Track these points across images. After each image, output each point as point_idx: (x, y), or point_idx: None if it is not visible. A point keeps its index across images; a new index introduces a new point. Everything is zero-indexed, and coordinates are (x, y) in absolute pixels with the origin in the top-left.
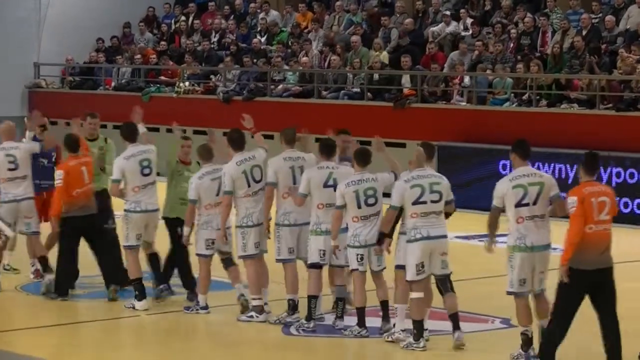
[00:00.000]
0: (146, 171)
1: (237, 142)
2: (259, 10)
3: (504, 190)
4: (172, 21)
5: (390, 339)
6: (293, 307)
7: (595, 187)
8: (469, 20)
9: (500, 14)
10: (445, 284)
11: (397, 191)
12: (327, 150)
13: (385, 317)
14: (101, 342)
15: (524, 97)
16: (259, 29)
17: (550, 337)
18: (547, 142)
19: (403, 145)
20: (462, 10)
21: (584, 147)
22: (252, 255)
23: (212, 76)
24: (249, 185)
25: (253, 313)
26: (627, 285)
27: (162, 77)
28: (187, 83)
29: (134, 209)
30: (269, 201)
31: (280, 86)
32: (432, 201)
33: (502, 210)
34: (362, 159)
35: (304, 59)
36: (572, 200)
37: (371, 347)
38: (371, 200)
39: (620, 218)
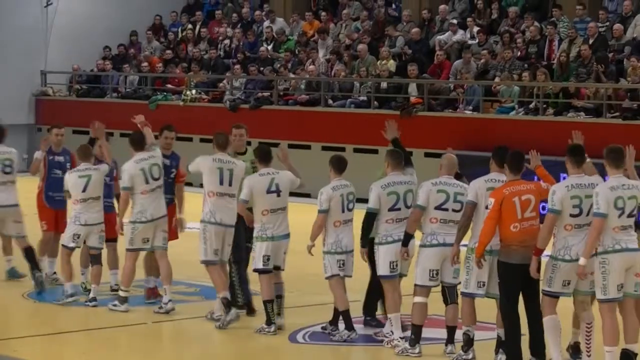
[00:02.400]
0: (7, 170)
1: (138, 143)
2: (265, 18)
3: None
4: (179, 29)
5: (389, 345)
6: (227, 304)
7: (518, 186)
8: (476, 29)
9: (507, 22)
10: (452, 294)
11: (423, 191)
12: (265, 156)
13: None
14: (110, 349)
15: (531, 106)
16: (265, 37)
17: (510, 335)
18: (554, 150)
19: (410, 154)
20: (469, 19)
21: (591, 155)
22: (137, 249)
23: (220, 84)
24: (147, 183)
25: (117, 302)
26: None
27: (169, 85)
28: (194, 91)
29: None
30: (180, 201)
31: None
32: (454, 210)
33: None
34: (339, 166)
35: (311, 67)
36: (490, 201)
37: (376, 354)
38: (351, 205)
39: None
